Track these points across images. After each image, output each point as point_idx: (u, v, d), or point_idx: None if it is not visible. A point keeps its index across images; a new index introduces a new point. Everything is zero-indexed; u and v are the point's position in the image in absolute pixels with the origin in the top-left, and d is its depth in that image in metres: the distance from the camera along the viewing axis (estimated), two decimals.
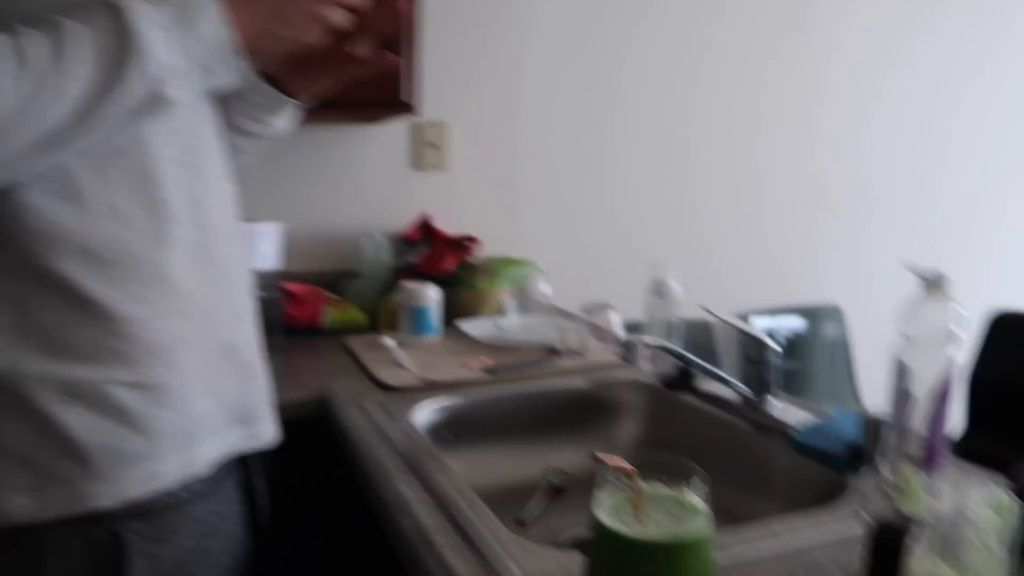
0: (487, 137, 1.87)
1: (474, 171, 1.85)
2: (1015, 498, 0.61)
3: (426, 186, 1.81)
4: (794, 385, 1.67)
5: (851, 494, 0.85)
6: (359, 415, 1.13)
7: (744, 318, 1.97)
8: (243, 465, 0.76)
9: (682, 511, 0.55)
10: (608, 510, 0.57)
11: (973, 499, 0.65)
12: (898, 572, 0.55)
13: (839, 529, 0.77)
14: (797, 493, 0.97)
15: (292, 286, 1.61)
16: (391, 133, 1.78)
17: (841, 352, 2.44)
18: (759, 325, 2.35)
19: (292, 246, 1.72)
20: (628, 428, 1.27)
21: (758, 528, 0.77)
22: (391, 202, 1.79)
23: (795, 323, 2.41)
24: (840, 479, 0.90)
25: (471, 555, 0.72)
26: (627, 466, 0.54)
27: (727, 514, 1.09)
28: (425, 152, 1.78)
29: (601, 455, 0.51)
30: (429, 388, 1.24)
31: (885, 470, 0.65)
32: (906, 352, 0.80)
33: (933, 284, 0.77)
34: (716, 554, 0.54)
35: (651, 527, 0.55)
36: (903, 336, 0.80)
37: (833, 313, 2.44)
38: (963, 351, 0.83)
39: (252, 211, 1.63)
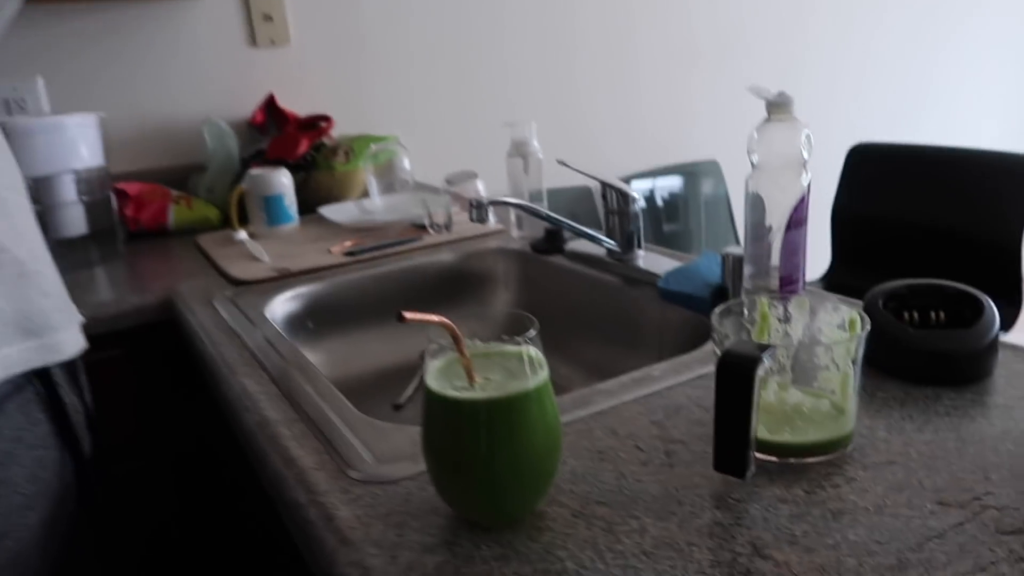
0: (328, 3, 1.71)
1: (319, 43, 1.70)
2: (863, 315, 0.59)
3: (267, 64, 1.65)
4: (677, 247, 1.67)
5: None
6: (206, 313, 1.04)
7: (626, 183, 1.94)
8: (47, 381, 0.67)
9: (520, 367, 0.51)
10: (437, 374, 0.52)
11: (823, 322, 0.64)
12: (749, 401, 0.53)
13: (701, 370, 0.75)
14: (667, 343, 0.96)
15: (129, 186, 1.46)
16: (219, 6, 1.60)
17: (721, 208, 2.47)
18: (639, 188, 2.34)
19: (125, 142, 1.56)
20: (501, 297, 1.23)
21: (620, 379, 0.74)
22: (231, 85, 1.62)
23: (674, 183, 2.41)
24: (706, 322, 0.88)
25: (318, 443, 0.66)
26: (446, 323, 0.49)
27: (601, 370, 1.08)
28: (260, 25, 1.61)
29: (407, 313, 0.45)
30: (285, 278, 1.15)
31: (723, 311, 0.62)
32: (758, 181, 0.77)
33: (777, 105, 0.73)
34: (555, 406, 0.51)
35: (488, 387, 0.50)
36: (753, 164, 0.76)
37: (711, 169, 2.45)
38: (820, 182, 0.81)
39: (70, 105, 1.46)
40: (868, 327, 0.57)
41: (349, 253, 1.22)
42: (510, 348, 0.52)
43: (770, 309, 0.65)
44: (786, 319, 0.65)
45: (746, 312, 0.66)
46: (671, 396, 0.70)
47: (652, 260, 1.04)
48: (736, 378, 0.53)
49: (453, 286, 1.22)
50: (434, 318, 0.48)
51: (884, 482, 0.55)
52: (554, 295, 1.15)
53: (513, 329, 0.53)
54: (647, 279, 1.00)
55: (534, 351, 0.52)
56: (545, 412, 0.51)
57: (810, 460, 0.58)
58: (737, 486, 0.56)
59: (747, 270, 0.82)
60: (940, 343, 0.68)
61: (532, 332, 0.51)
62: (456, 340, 0.49)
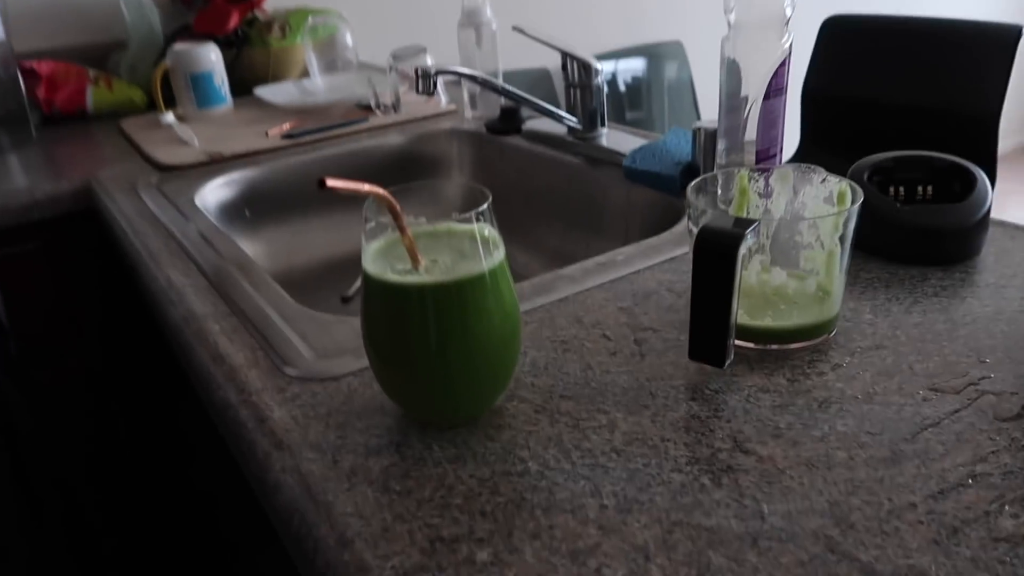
0: None
1: None
2: (854, 187, 0.53)
3: None
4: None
5: (686, 220, 0.78)
6: (129, 201, 0.94)
7: None
8: None
9: (472, 247, 0.44)
10: (375, 256, 0.45)
11: (808, 196, 0.58)
12: (730, 283, 0.47)
13: (672, 252, 0.69)
14: (634, 226, 0.90)
15: (40, 65, 1.32)
16: None
17: (685, 93, 2.38)
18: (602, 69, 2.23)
19: (33, 16, 1.40)
20: (455, 182, 1.15)
21: (584, 264, 0.68)
22: None
23: (636, 66, 2.31)
24: (678, 204, 0.82)
25: (251, 339, 0.60)
26: (380, 193, 0.41)
27: (562, 257, 1.02)
28: None
29: (330, 180, 0.37)
30: (217, 163, 1.05)
31: (700, 185, 0.56)
32: (734, 44, 0.69)
33: None
34: (513, 291, 0.44)
35: (435, 270, 0.43)
36: (730, 24, 0.68)
37: (675, 51, 2.34)
38: (796, 56, 0.73)
39: None
40: (860, 199, 0.51)
41: (288, 136, 1.12)
42: (460, 226, 0.45)
43: (750, 183, 0.59)
44: (767, 194, 0.59)
45: (720, 189, 0.59)
46: (640, 281, 0.64)
47: (616, 138, 0.96)
48: (716, 258, 0.47)
49: (403, 171, 1.13)
50: (365, 187, 0.40)
51: (872, 368, 0.51)
52: (512, 178, 1.08)
53: (463, 205, 0.46)
54: (611, 159, 0.93)
55: (487, 229, 0.45)
56: (501, 298, 0.45)
57: (793, 346, 0.53)
58: (714, 376, 0.51)
59: (721, 145, 0.76)
60: (930, 218, 0.63)
61: (484, 206, 0.44)
62: (395, 216, 0.42)
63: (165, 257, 0.77)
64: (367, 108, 1.23)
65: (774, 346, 0.53)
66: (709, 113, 2.26)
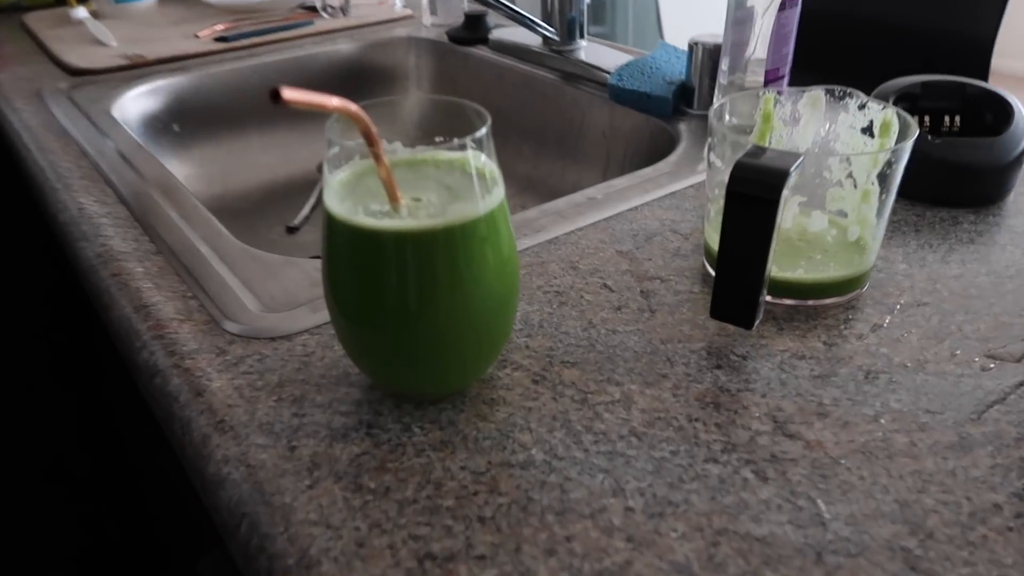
0: None
1: None
2: (903, 116, 0.46)
3: None
4: None
5: (684, 144, 0.69)
6: (32, 110, 0.81)
7: None
8: None
9: (465, 182, 0.35)
10: (341, 192, 0.35)
11: (842, 124, 0.50)
12: (770, 230, 0.39)
13: (672, 186, 0.61)
14: (617, 153, 0.81)
15: None
16: None
17: (649, 11, 2.25)
18: None
19: None
20: (437, 98, 1.04)
21: (573, 197, 0.59)
22: None
23: None
24: (669, 130, 0.73)
25: (183, 284, 0.50)
26: (351, 110, 0.31)
27: (534, 187, 0.93)
28: None
29: (287, 91, 0.27)
30: (139, 67, 0.91)
31: (722, 108, 0.47)
32: None
33: None
34: (513, 238, 0.36)
35: (419, 212, 0.34)
36: None
37: None
38: None
39: None
40: (913, 133, 0.44)
41: (221, 39, 0.98)
42: (449, 155, 0.36)
43: (775, 108, 0.50)
44: (794, 121, 0.51)
45: (734, 115, 0.51)
46: (639, 220, 0.56)
47: (597, 53, 0.86)
48: (754, 200, 0.39)
49: (354, 83, 1.01)
50: (332, 101, 0.31)
51: (917, 330, 0.44)
52: (476, 95, 0.97)
53: (451, 127, 0.36)
54: (592, 76, 0.83)
55: (485, 159, 0.36)
56: (500, 247, 0.36)
57: (827, 302, 0.46)
58: (739, 338, 0.43)
59: (724, 63, 0.67)
60: (966, 154, 0.56)
61: (483, 131, 0.35)
62: (369, 140, 0.33)
63: (76, 180, 0.65)
64: (312, 10, 1.09)
65: (811, 302, 0.46)
66: (671, 33, 2.15)
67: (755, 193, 0.39)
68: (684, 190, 0.60)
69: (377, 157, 0.33)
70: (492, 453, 0.36)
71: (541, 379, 0.40)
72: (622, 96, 0.76)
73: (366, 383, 0.40)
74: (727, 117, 0.51)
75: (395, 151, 0.36)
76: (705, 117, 0.73)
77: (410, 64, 1.03)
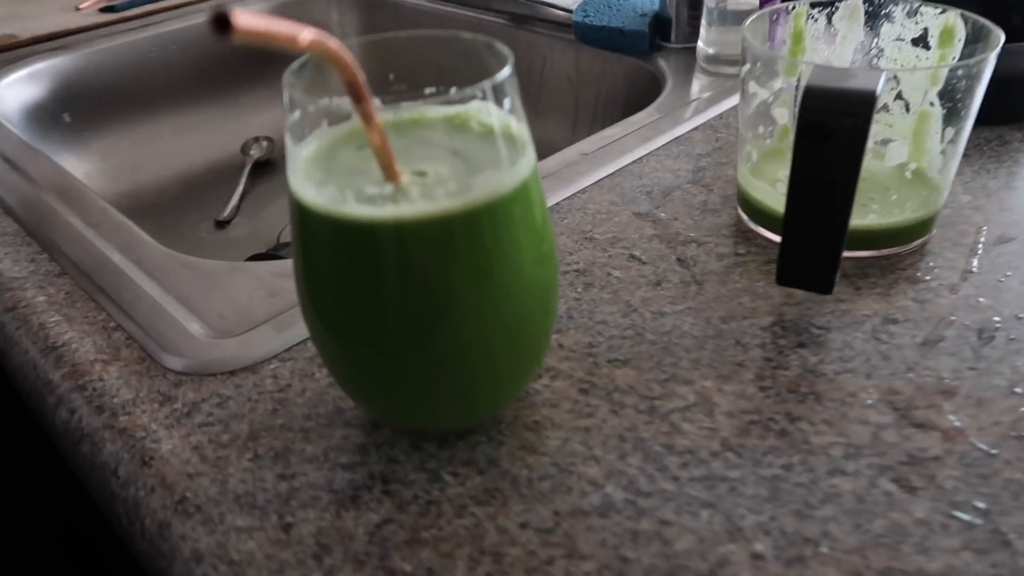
0: None
1: None
2: (974, 18, 0.38)
3: None
4: None
5: (671, 84, 0.60)
6: None
7: None
8: None
9: (485, 146, 0.26)
10: (311, 168, 0.25)
11: (887, 36, 0.42)
12: (855, 168, 0.31)
13: (675, 131, 0.52)
14: (587, 100, 0.72)
15: None
16: None
17: None
18: None
19: None
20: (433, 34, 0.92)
21: (565, 153, 0.50)
22: None
23: None
24: (648, 68, 0.65)
25: (102, 312, 0.39)
26: (328, 47, 0.21)
27: None
28: None
29: (237, 15, 0.18)
30: (12, 49, 0.77)
31: (758, 23, 0.39)
32: None
33: None
34: (547, 215, 0.26)
35: (430, 190, 0.24)
36: None
37: None
38: None
39: None
40: (998, 41, 0.36)
41: (108, 9, 0.84)
42: (458, 110, 0.26)
43: (807, 24, 0.42)
44: (830, 37, 0.43)
45: (756, 37, 0.43)
46: (648, 174, 0.48)
47: None
48: (837, 132, 0.31)
49: (267, 54, 0.88)
50: (304, 34, 0.21)
51: (1014, 271, 0.37)
52: (413, 52, 0.86)
53: (455, 73, 0.27)
54: (549, 16, 0.74)
55: (507, 116, 0.26)
56: (536, 226, 0.27)
57: (906, 248, 0.39)
58: (812, 305, 0.36)
59: None
60: (1004, 63, 0.49)
61: (505, 71, 0.25)
62: (356, 94, 0.23)
63: None
64: None
65: (887, 251, 0.38)
66: None
67: (838, 122, 0.31)
68: (688, 134, 0.52)
69: (367, 117, 0.23)
70: (556, 499, 0.27)
71: (590, 387, 0.32)
72: (589, 35, 0.67)
73: (367, 419, 0.31)
74: (747, 36, 0.42)
75: (383, 107, 0.26)
76: (686, 51, 0.64)
77: (333, 22, 0.91)
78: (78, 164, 0.76)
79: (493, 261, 0.26)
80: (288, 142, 0.26)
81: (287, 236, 0.68)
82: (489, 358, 0.28)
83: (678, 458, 0.28)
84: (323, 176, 0.25)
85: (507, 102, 0.26)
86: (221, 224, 0.73)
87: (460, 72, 0.27)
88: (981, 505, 0.26)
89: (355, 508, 0.27)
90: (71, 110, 0.76)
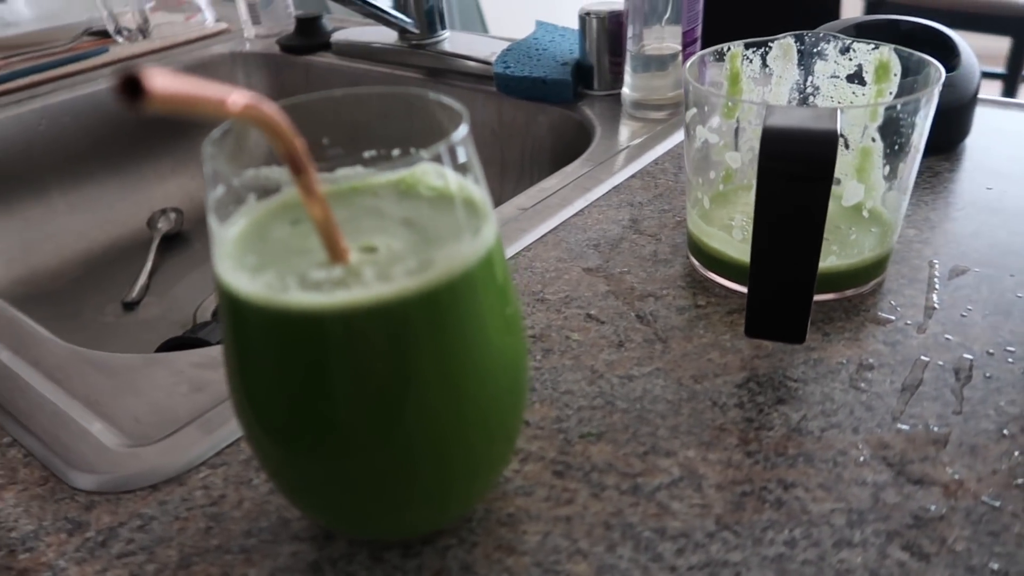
0: None
1: None
2: (907, 53, 0.38)
3: None
4: None
5: (600, 131, 0.59)
6: None
7: None
8: None
9: (442, 215, 0.23)
10: (243, 251, 0.22)
11: (821, 74, 0.42)
12: (822, 211, 0.30)
13: (614, 180, 0.51)
14: (513, 152, 0.70)
15: None
16: None
17: (470, 7, 2.17)
18: None
19: None
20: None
21: (503, 209, 0.48)
22: None
23: None
24: (573, 116, 0.63)
25: (8, 420, 0.34)
26: (261, 112, 0.18)
27: None
28: None
29: (153, 76, 0.15)
30: None
31: (700, 64, 0.37)
32: None
33: None
34: (512, 287, 0.24)
35: (381, 268, 0.21)
36: None
37: None
38: None
39: None
40: (939, 75, 0.36)
41: None
42: (407, 172, 0.24)
43: (743, 64, 0.42)
44: (765, 78, 0.42)
45: (691, 78, 0.42)
46: (591, 226, 0.46)
47: (465, 42, 0.75)
48: (802, 177, 0.30)
49: (172, 119, 0.84)
50: (237, 99, 0.18)
51: (975, 305, 0.36)
52: (327, 111, 0.83)
53: (402, 133, 0.24)
54: (465, 69, 0.72)
55: (469, 182, 0.24)
56: (504, 301, 0.24)
57: (866, 288, 0.37)
58: (784, 356, 0.34)
59: (631, 29, 0.58)
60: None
61: (461, 132, 0.23)
62: (295, 164, 0.20)
63: None
64: (102, 35, 0.90)
65: (849, 292, 0.37)
66: (494, 16, 2.07)
67: (801, 164, 0.29)
68: (627, 182, 0.50)
69: (308, 190, 0.20)
70: None
71: (565, 468, 0.29)
72: (512, 86, 0.65)
73: (318, 529, 0.27)
74: (701, 78, 0.41)
75: (328, 177, 0.23)
76: (609, 97, 0.64)
77: (239, 84, 0.87)
78: None
79: (459, 340, 0.23)
80: (212, 222, 0.22)
81: (204, 314, 0.63)
82: (460, 449, 0.24)
83: (672, 544, 0.26)
84: (257, 260, 0.22)
85: (464, 164, 0.23)
86: (129, 306, 0.67)
87: (407, 132, 0.24)
88: (996, 566, 0.24)
89: None
90: None
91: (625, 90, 0.60)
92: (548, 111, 0.66)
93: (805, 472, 0.28)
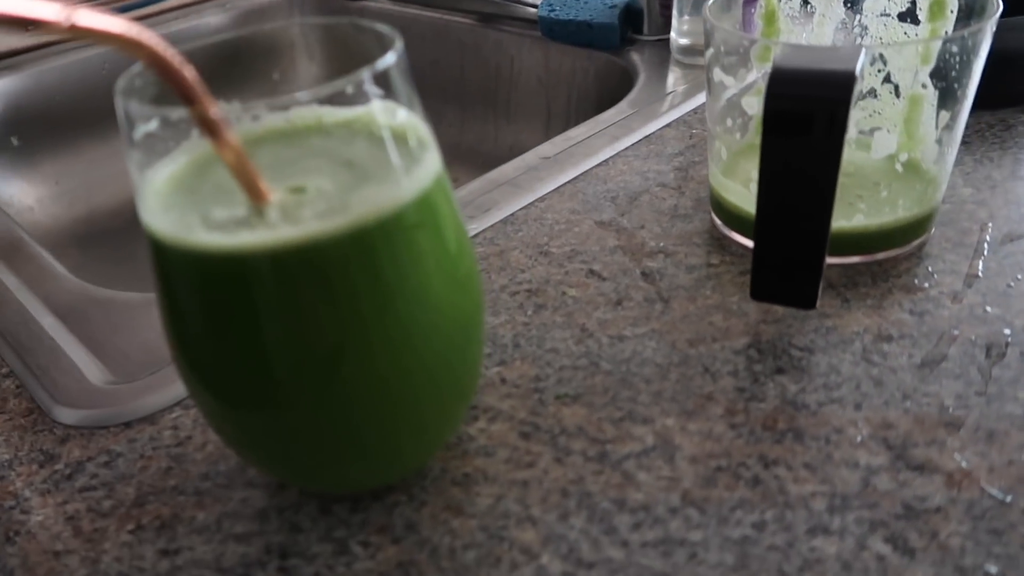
0: None
1: None
2: None
3: None
4: None
5: (643, 78, 0.56)
6: None
7: None
8: None
9: (375, 152, 0.21)
10: (172, 194, 0.21)
11: (869, 11, 0.37)
12: (835, 162, 0.27)
13: (644, 129, 0.48)
14: (559, 100, 0.68)
15: None
16: None
17: None
18: None
19: None
20: (306, 73, 0.88)
21: (525, 158, 0.46)
22: None
23: None
24: (620, 63, 0.60)
25: (8, 352, 0.35)
26: (145, 43, 0.17)
27: (464, 158, 0.79)
28: None
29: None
30: None
31: (722, 3, 0.34)
32: None
33: None
34: (463, 227, 0.22)
35: (306, 210, 0.20)
36: None
37: None
38: None
39: None
40: (995, 8, 0.32)
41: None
42: (340, 113, 0.22)
43: (779, 3, 0.38)
44: (805, 16, 0.38)
45: (711, 15, 0.38)
46: (613, 177, 0.43)
47: None
48: (810, 120, 0.27)
49: (230, 66, 0.84)
50: (113, 25, 0.17)
51: None
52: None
53: (341, 60, 0.23)
54: (515, 13, 0.69)
55: (401, 112, 0.22)
56: (446, 243, 0.22)
57: (899, 252, 0.34)
58: (794, 322, 0.31)
59: None
60: (1008, 39, 0.44)
61: (391, 57, 0.21)
62: (187, 95, 0.18)
63: None
64: None
65: (879, 255, 0.33)
66: None
67: (812, 109, 0.26)
68: (660, 132, 0.47)
69: (210, 127, 0.19)
70: (481, 573, 0.23)
71: (533, 430, 0.27)
72: (556, 30, 0.62)
73: (273, 479, 0.27)
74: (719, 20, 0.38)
75: (238, 115, 0.22)
76: (660, 43, 0.60)
77: (295, 35, 0.86)
78: (29, 190, 0.72)
79: (385, 290, 0.21)
80: (132, 163, 0.21)
81: None
82: (404, 404, 0.23)
83: (630, 517, 0.24)
84: (180, 198, 0.21)
85: (398, 96, 0.21)
86: None
87: (346, 59, 0.23)
88: (994, 570, 0.21)
89: None
90: (19, 133, 0.72)
91: (673, 35, 0.56)
92: (594, 57, 0.62)
93: (791, 449, 0.25)
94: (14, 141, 0.72)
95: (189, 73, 0.18)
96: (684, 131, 0.47)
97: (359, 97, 0.20)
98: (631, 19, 0.61)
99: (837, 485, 0.24)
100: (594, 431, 0.27)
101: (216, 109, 0.19)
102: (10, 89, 0.73)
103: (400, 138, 0.21)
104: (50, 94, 0.74)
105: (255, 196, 0.20)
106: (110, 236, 0.71)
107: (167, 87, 0.18)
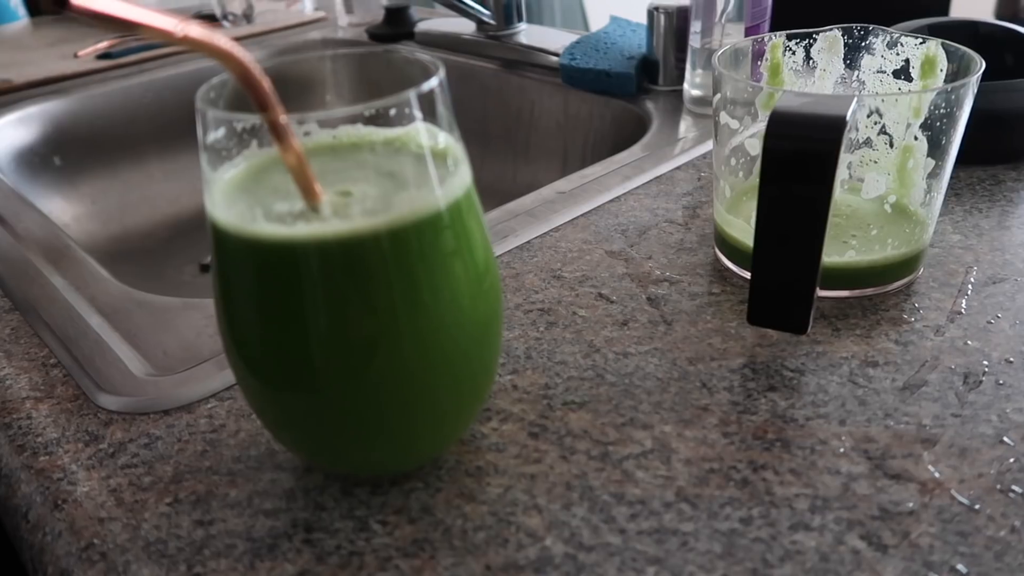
0: None
1: None
2: (953, 47, 0.37)
3: None
4: None
5: (656, 124, 0.59)
6: None
7: None
8: None
9: (415, 164, 0.24)
10: (234, 192, 0.24)
11: (867, 68, 0.40)
12: (826, 199, 0.29)
13: (655, 170, 0.51)
14: (576, 143, 0.71)
15: None
16: None
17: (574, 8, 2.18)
18: None
19: None
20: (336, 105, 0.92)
21: (541, 192, 0.49)
22: None
23: None
24: (635, 110, 0.64)
25: (41, 348, 0.37)
26: (224, 49, 0.20)
27: (492, 194, 0.82)
28: None
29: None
30: (6, 93, 0.78)
31: (732, 55, 0.37)
32: None
33: None
34: (487, 235, 0.25)
35: (351, 208, 0.23)
36: None
37: None
38: None
39: None
40: (978, 69, 0.34)
41: (105, 56, 0.85)
42: (383, 132, 0.25)
43: (784, 56, 0.41)
44: (808, 70, 0.41)
45: (727, 67, 0.41)
46: (625, 212, 0.46)
47: (540, 35, 0.76)
48: (804, 160, 0.29)
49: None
50: (187, 28, 0.19)
51: (1005, 313, 0.34)
52: None
53: (385, 86, 0.26)
54: (538, 60, 0.73)
55: (441, 133, 0.25)
56: (473, 251, 0.25)
57: (889, 288, 0.36)
58: (787, 347, 0.33)
59: (695, 26, 0.57)
60: (998, 100, 0.47)
61: (434, 82, 0.24)
62: (262, 103, 0.21)
63: None
64: (211, 19, 0.97)
65: (869, 291, 0.36)
66: (596, 14, 2.06)
67: (805, 148, 0.29)
68: (670, 173, 0.50)
69: (278, 132, 0.22)
70: (490, 551, 0.25)
71: (541, 431, 0.30)
72: (576, 77, 0.66)
73: (299, 462, 0.29)
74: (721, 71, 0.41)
75: (309, 132, 0.25)
76: (673, 93, 0.63)
77: (327, 69, 0.91)
78: (67, 207, 0.75)
79: (426, 284, 0.24)
80: (204, 162, 0.24)
81: None
82: (426, 395, 0.25)
83: (627, 508, 0.26)
84: (240, 196, 0.24)
85: (438, 118, 0.24)
86: (205, 267, 0.72)
87: (390, 89, 0.26)
88: (960, 567, 0.23)
89: (271, 558, 0.25)
90: (61, 154, 0.76)
91: (686, 86, 0.60)
92: (612, 104, 0.66)
93: (779, 456, 0.28)
94: (56, 161, 0.76)
95: (267, 84, 0.21)
96: (693, 173, 0.50)
97: (403, 118, 0.23)
98: (647, 70, 0.65)
99: (819, 488, 0.26)
100: (598, 434, 0.29)
101: (284, 117, 0.21)
102: (56, 112, 0.77)
103: (438, 155, 0.24)
104: (92, 119, 0.79)
105: (310, 196, 0.23)
106: (141, 255, 0.75)
107: (246, 95, 0.21)
